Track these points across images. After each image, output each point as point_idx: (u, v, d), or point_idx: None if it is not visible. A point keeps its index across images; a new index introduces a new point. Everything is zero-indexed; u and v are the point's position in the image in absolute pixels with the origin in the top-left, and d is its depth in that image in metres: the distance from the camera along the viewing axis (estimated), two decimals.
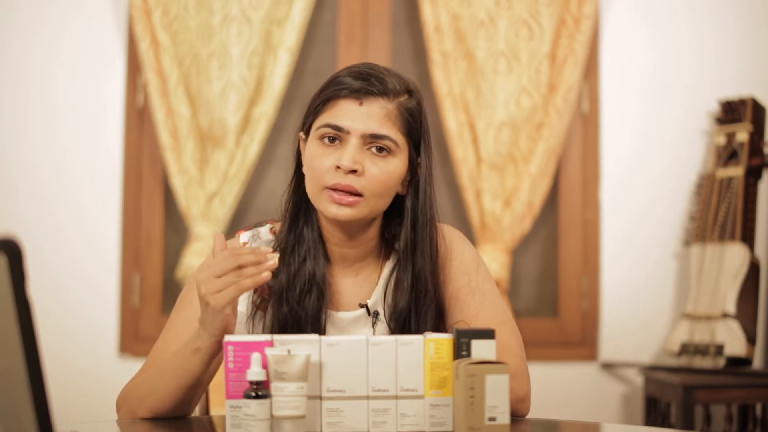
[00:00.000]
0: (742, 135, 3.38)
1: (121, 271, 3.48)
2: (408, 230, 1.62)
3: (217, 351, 1.46)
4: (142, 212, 3.50)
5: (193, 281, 1.63)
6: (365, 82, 1.56)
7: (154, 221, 3.51)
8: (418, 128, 1.62)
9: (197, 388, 1.52)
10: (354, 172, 1.55)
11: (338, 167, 1.55)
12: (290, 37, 3.41)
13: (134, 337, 3.46)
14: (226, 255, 1.41)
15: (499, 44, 3.43)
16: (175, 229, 3.53)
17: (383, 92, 1.57)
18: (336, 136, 1.57)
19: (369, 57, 3.52)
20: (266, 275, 1.40)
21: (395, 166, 1.58)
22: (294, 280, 1.60)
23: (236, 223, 3.44)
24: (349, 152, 1.55)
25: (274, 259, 1.41)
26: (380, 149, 1.57)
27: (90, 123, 3.49)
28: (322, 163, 1.56)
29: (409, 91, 1.61)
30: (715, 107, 3.53)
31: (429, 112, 3.76)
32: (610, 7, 3.55)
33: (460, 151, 3.41)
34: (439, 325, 1.64)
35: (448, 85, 3.42)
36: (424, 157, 1.63)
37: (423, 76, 3.53)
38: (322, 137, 1.57)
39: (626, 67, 3.57)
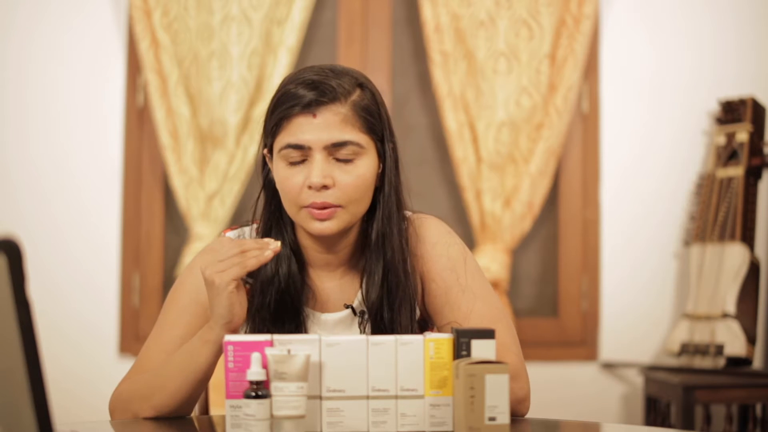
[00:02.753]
0: (742, 135, 3.38)
1: (121, 271, 3.48)
2: (378, 222, 1.60)
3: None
4: (142, 212, 3.50)
5: (181, 282, 1.63)
6: (314, 93, 1.53)
7: (154, 221, 3.51)
8: (378, 121, 1.58)
9: (204, 383, 1.52)
10: (325, 187, 1.53)
11: (309, 186, 1.53)
12: (290, 37, 3.41)
13: (134, 337, 3.46)
14: (230, 244, 1.46)
15: (499, 44, 3.43)
16: (175, 229, 3.53)
17: (334, 98, 1.53)
18: (299, 153, 1.54)
19: (369, 57, 3.53)
20: (269, 254, 1.45)
21: (365, 167, 1.56)
22: (267, 297, 1.59)
23: (236, 223, 3.44)
24: (316, 168, 1.52)
25: (276, 245, 1.46)
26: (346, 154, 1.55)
27: (90, 123, 3.49)
28: (293, 184, 1.54)
29: (360, 85, 1.58)
30: (715, 107, 3.53)
31: (429, 112, 3.77)
32: (610, 7, 3.56)
33: (460, 151, 3.41)
34: (413, 317, 1.61)
35: (448, 85, 3.42)
36: (387, 147, 1.60)
37: (423, 76, 3.54)
38: (285, 157, 1.55)
39: (626, 67, 3.57)
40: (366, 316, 1.60)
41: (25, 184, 3.46)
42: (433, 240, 1.64)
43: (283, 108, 1.55)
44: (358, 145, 1.55)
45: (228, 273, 1.43)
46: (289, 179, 1.55)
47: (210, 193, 3.39)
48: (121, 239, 3.48)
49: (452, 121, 3.41)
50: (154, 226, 3.51)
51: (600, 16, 3.53)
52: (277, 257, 1.59)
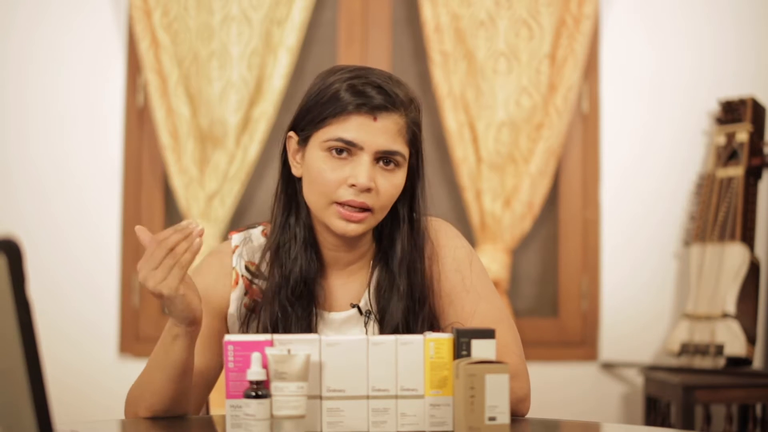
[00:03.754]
0: (742, 135, 3.38)
1: (121, 271, 3.48)
2: (405, 237, 1.61)
3: (195, 333, 1.48)
4: (142, 212, 3.50)
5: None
6: (379, 97, 1.54)
7: (154, 221, 3.51)
8: (420, 137, 1.61)
9: (187, 375, 1.51)
10: (368, 189, 1.53)
11: (353, 185, 1.53)
12: (290, 37, 3.41)
13: (134, 337, 3.46)
14: (153, 245, 1.41)
15: (499, 44, 3.43)
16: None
17: (396, 106, 1.55)
18: (346, 149, 1.54)
19: (369, 57, 3.52)
20: (198, 242, 1.41)
21: (400, 178, 1.58)
22: (288, 279, 1.60)
23: (236, 223, 3.44)
24: (364, 170, 1.52)
25: (198, 228, 1.42)
26: (388, 162, 1.56)
27: (90, 123, 3.49)
28: (332, 178, 1.54)
29: (412, 99, 1.60)
30: (715, 107, 3.53)
31: (429, 112, 3.77)
32: (610, 7, 3.56)
33: (460, 151, 3.41)
34: (432, 327, 1.63)
35: (448, 85, 3.42)
36: (419, 162, 1.62)
37: (423, 76, 3.53)
38: (329, 149, 1.54)
39: (626, 67, 3.57)
40: (371, 316, 1.61)
41: (25, 184, 3.46)
42: (441, 242, 1.66)
43: (342, 102, 1.53)
44: (402, 156, 1.57)
45: (171, 280, 1.40)
46: (328, 172, 1.54)
47: (210, 193, 3.39)
48: (121, 239, 3.48)
49: (452, 121, 3.41)
50: (154, 226, 3.51)
51: (600, 16, 3.53)
52: (299, 238, 1.60)
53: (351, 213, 1.54)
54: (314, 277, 1.62)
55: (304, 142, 1.59)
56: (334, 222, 1.55)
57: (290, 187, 1.63)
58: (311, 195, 1.58)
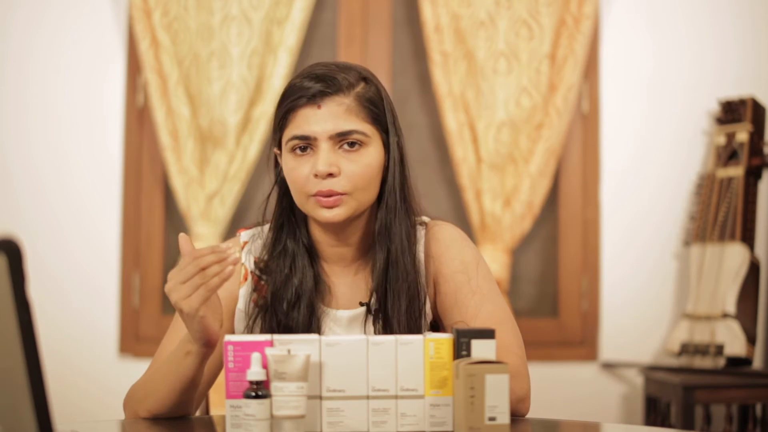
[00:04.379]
0: (742, 135, 3.38)
1: (121, 271, 3.48)
2: (383, 212, 1.62)
3: (207, 354, 1.48)
4: (142, 212, 3.50)
5: None
6: (318, 85, 1.57)
7: (154, 221, 3.51)
8: (382, 113, 1.62)
9: (193, 389, 1.53)
10: (331, 175, 1.56)
11: (315, 175, 1.56)
12: (290, 37, 3.41)
13: (134, 337, 3.46)
14: (187, 260, 1.42)
15: (499, 44, 3.43)
16: (175, 229, 3.53)
17: (337, 89, 1.57)
18: (306, 145, 1.58)
19: (369, 57, 3.53)
20: (230, 269, 1.41)
21: (371, 156, 1.59)
22: (280, 293, 1.61)
23: (236, 223, 3.44)
24: (322, 157, 1.56)
25: (234, 255, 1.42)
26: (351, 144, 1.58)
27: (90, 123, 3.49)
28: (300, 174, 1.57)
29: (364, 79, 1.61)
30: (715, 107, 3.53)
31: (429, 112, 3.77)
32: (610, 7, 3.56)
33: (460, 151, 3.41)
34: (421, 312, 1.62)
35: (448, 85, 3.42)
36: (392, 139, 1.63)
37: (423, 76, 3.53)
38: (293, 150, 1.58)
39: (626, 67, 3.57)
40: (381, 315, 1.62)
41: (25, 184, 3.46)
42: (448, 243, 1.67)
43: (289, 100, 1.58)
44: (362, 134, 1.58)
45: (194, 299, 1.40)
46: (296, 169, 1.58)
47: (210, 193, 3.39)
48: (121, 239, 3.48)
49: (452, 121, 3.41)
50: (154, 226, 3.51)
51: (600, 16, 3.53)
52: (292, 253, 1.62)
53: (326, 200, 1.56)
54: (316, 279, 1.63)
55: (280, 150, 1.63)
56: (317, 213, 1.58)
57: (283, 200, 1.66)
58: (294, 195, 1.61)
